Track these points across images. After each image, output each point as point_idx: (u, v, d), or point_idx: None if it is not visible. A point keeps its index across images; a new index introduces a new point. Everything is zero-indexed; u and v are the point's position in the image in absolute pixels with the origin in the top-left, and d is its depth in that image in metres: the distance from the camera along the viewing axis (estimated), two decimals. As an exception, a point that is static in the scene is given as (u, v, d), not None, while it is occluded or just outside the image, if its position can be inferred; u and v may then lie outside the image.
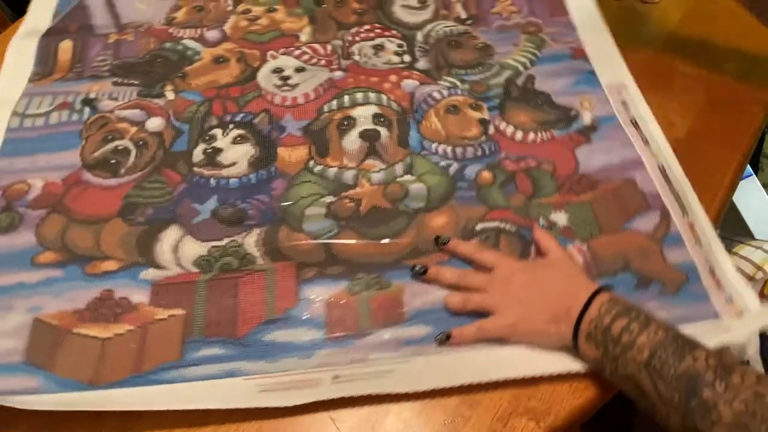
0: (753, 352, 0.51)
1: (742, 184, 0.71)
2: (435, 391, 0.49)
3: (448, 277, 0.54)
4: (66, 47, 0.77)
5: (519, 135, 0.67)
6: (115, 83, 0.73)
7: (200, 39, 0.78)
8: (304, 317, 0.53)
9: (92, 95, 0.71)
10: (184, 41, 0.78)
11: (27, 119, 0.69)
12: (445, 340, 0.51)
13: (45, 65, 0.75)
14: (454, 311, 0.53)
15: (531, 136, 0.67)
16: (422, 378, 0.49)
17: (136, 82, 0.73)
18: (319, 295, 0.54)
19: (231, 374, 0.50)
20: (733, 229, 1.02)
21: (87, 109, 0.70)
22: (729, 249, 0.68)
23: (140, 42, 0.78)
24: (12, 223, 0.60)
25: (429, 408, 0.49)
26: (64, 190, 0.62)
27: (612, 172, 0.63)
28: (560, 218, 0.59)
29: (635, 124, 0.67)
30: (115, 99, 0.71)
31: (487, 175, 0.63)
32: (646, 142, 0.65)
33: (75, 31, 0.79)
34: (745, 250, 0.70)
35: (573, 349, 0.49)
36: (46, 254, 0.57)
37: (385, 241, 0.58)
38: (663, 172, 0.63)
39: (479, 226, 0.59)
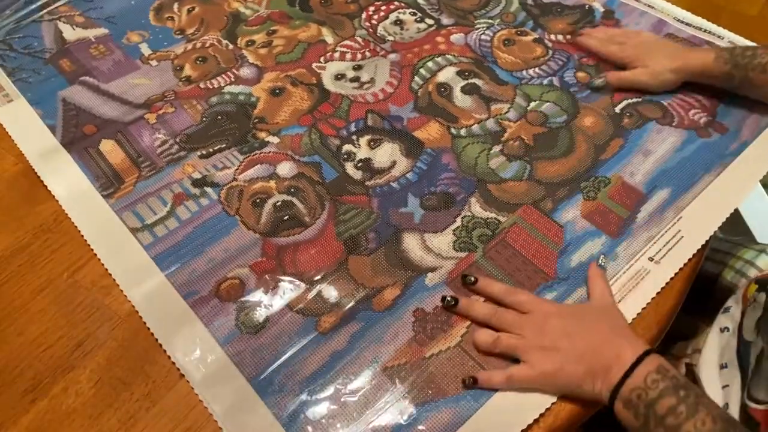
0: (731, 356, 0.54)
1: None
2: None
3: (480, 312, 0.52)
4: (110, 148, 0.67)
5: (570, 38, 0.78)
6: (203, 156, 0.66)
7: (238, 81, 0.74)
8: (580, 234, 0.59)
9: (196, 176, 0.64)
10: (226, 89, 0.73)
11: (156, 228, 0.60)
12: (471, 384, 0.49)
13: (104, 176, 0.64)
14: (482, 350, 0.51)
15: (578, 35, 0.79)
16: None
17: (223, 146, 0.67)
18: (571, 214, 0.61)
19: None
20: (735, 232, 0.92)
21: (208, 189, 0.63)
22: (733, 253, 0.69)
23: (185, 109, 0.71)
24: (260, 318, 0.54)
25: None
26: (277, 262, 0.57)
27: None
28: (659, 77, 0.73)
29: (631, -2, 0.83)
30: (225, 167, 0.65)
31: (581, 74, 0.74)
32: (650, 6, 0.82)
33: (96, 131, 0.68)
34: (749, 254, 0.68)
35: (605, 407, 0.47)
36: (325, 319, 0.54)
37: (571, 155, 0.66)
38: (677, 20, 0.80)
39: (617, 109, 0.70)
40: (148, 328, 0.53)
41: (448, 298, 0.53)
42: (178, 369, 0.51)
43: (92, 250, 0.59)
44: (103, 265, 0.58)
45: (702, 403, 0.43)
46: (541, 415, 0.49)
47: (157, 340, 0.53)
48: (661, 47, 0.70)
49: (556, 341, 0.49)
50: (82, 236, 0.60)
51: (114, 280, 0.57)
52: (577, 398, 0.49)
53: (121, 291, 0.56)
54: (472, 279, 0.54)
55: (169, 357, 0.52)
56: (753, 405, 0.51)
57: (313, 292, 0.55)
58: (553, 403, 0.49)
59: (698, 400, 0.43)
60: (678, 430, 0.42)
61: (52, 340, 0.53)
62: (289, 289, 0.56)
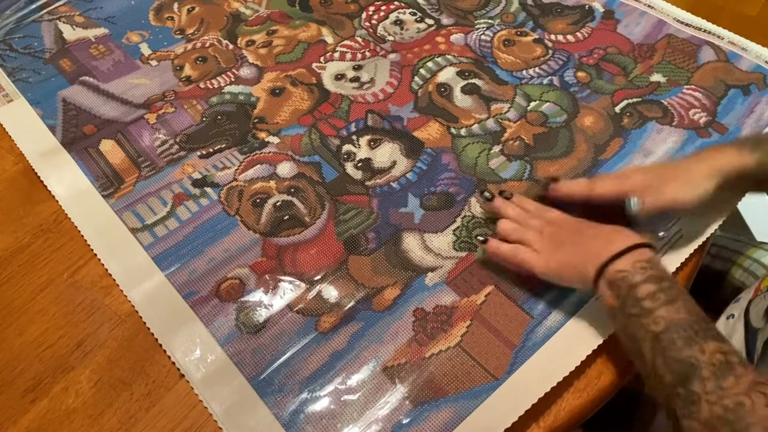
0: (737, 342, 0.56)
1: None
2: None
3: (511, 212, 0.57)
4: (110, 148, 0.67)
5: (570, 38, 0.78)
6: (203, 156, 0.66)
7: (238, 81, 0.74)
8: (580, 234, 0.59)
9: (196, 176, 0.64)
10: (226, 89, 0.73)
11: (156, 228, 0.60)
12: (482, 242, 0.56)
13: (104, 176, 0.64)
14: (502, 238, 0.55)
15: (578, 35, 0.79)
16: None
17: (223, 146, 0.67)
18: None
19: (581, 303, 0.54)
20: (738, 232, 0.90)
21: (208, 189, 0.63)
22: (742, 251, 0.70)
23: (185, 109, 0.71)
24: (260, 318, 0.54)
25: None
26: (277, 262, 0.57)
27: (653, 35, 0.78)
28: (659, 78, 0.73)
29: (631, -3, 0.83)
30: (225, 167, 0.65)
31: (581, 74, 0.74)
32: (650, 7, 0.82)
33: (96, 131, 0.68)
34: (758, 252, 0.69)
35: (590, 290, 0.49)
36: (325, 318, 0.54)
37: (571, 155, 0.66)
38: (677, 21, 0.80)
39: (617, 108, 0.70)
40: (148, 328, 0.53)
41: (486, 193, 0.59)
42: (178, 369, 0.51)
43: (92, 250, 0.59)
44: (103, 265, 0.58)
45: (682, 297, 0.45)
46: (542, 415, 0.49)
47: (157, 340, 0.53)
48: (676, 162, 0.55)
49: (567, 237, 0.52)
50: (82, 236, 0.60)
51: (114, 280, 0.57)
52: (567, 281, 0.51)
53: (121, 291, 0.56)
54: (508, 194, 0.59)
55: (169, 357, 0.52)
56: None
57: (313, 292, 0.55)
58: (551, 389, 0.49)
59: (679, 293, 0.45)
60: (652, 313, 0.44)
61: (52, 340, 0.54)
62: (289, 289, 0.56)
